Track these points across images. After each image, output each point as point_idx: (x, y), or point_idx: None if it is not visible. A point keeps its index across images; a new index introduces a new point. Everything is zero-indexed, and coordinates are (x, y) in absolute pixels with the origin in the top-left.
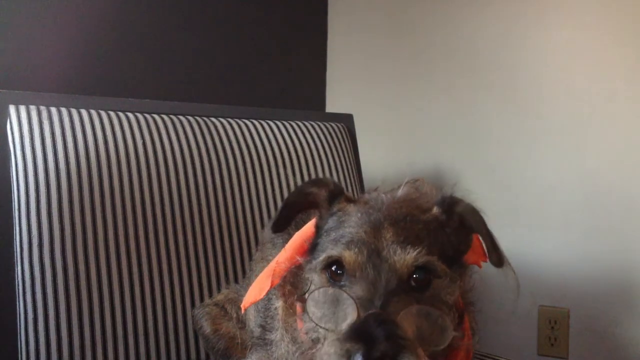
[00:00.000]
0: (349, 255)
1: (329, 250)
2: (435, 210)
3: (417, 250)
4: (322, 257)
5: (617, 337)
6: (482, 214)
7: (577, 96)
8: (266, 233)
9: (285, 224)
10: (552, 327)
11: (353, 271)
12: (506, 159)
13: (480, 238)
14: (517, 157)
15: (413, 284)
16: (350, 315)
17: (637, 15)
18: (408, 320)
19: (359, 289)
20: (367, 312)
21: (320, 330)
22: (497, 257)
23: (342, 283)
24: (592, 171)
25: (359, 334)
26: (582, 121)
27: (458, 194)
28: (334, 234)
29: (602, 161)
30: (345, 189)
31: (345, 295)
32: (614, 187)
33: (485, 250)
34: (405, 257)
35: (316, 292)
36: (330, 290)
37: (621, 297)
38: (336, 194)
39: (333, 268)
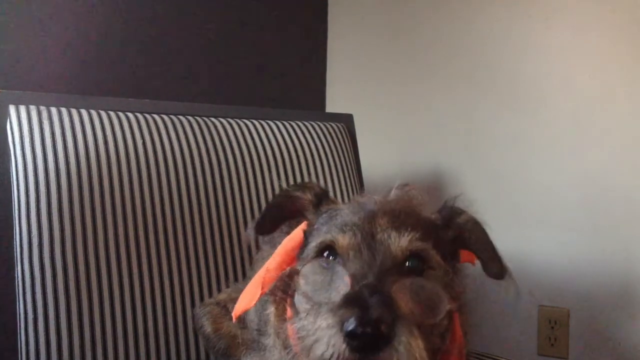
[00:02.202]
0: (342, 238)
1: (321, 237)
2: (434, 216)
3: (413, 235)
4: (313, 244)
5: (617, 337)
6: (485, 226)
7: (577, 96)
8: (249, 231)
9: (269, 227)
10: (552, 327)
11: (347, 253)
12: (506, 159)
13: (477, 252)
14: (517, 157)
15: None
16: (342, 289)
17: (637, 15)
18: (403, 293)
19: (352, 266)
20: (360, 284)
21: (309, 328)
22: (498, 269)
23: None
24: (592, 171)
25: (352, 301)
26: (582, 121)
27: (461, 205)
28: (325, 228)
29: (602, 161)
30: (329, 192)
31: (339, 268)
32: (614, 187)
33: (482, 262)
34: (400, 240)
35: (307, 266)
36: (322, 265)
37: (621, 297)
38: (322, 197)
39: (325, 254)
